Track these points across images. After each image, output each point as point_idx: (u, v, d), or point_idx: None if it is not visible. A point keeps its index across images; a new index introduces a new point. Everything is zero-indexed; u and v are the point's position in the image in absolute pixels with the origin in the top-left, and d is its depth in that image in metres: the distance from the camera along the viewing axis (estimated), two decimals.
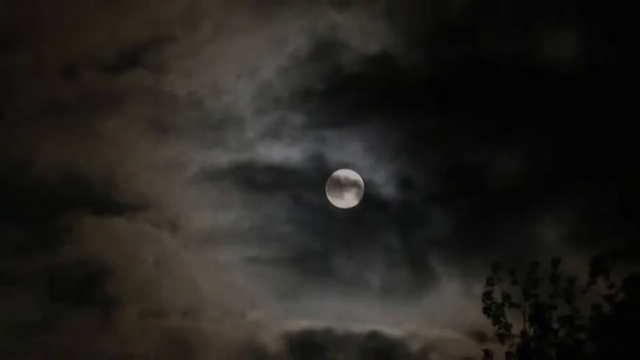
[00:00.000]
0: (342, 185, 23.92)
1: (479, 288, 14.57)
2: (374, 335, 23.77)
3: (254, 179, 25.63)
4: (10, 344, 23.62)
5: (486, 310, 14.40)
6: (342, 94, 25.57)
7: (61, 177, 25.21)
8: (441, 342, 23.09)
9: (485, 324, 14.50)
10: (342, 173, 24.08)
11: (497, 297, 14.39)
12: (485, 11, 24.36)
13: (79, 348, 24.05)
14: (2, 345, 23.54)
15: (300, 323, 24.22)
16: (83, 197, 25.31)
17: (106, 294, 24.59)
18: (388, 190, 24.96)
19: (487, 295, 14.41)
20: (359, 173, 23.84)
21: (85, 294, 24.53)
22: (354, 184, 23.94)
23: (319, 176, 24.71)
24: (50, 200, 24.97)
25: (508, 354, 14.17)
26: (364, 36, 25.48)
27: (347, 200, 23.98)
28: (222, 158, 25.66)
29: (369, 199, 24.35)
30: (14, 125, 25.41)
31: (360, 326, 23.92)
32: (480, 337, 15.07)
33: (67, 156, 25.43)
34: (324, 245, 25.18)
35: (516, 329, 14.24)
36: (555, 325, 13.97)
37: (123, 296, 24.65)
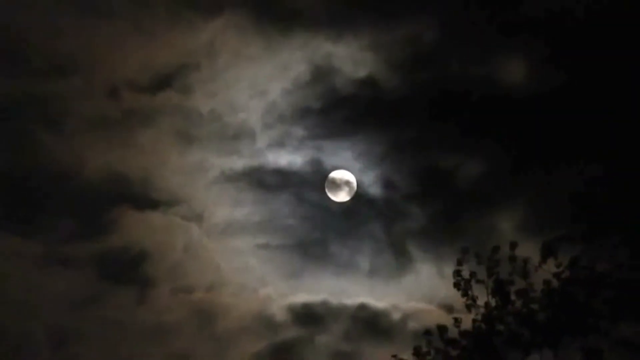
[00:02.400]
0: (337, 185, 24.01)
1: (448, 269, 14.59)
2: (362, 307, 23.83)
3: (263, 180, 25.72)
4: (65, 315, 23.66)
5: (456, 285, 14.36)
6: (335, 111, 25.66)
7: (107, 178, 25.26)
8: (417, 313, 23.17)
9: (454, 298, 14.51)
10: (337, 174, 24.17)
11: (465, 274, 14.36)
12: (452, 44, 24.49)
13: (121, 318, 24.09)
14: (59, 316, 23.57)
15: (302, 297, 24.28)
16: (125, 194, 25.36)
17: (144, 274, 24.64)
18: (374, 189, 25.08)
19: (457, 273, 14.37)
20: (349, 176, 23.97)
21: (127, 274, 24.57)
22: (347, 183, 24.03)
23: (317, 177, 24.80)
24: (98, 198, 25.02)
25: (475, 321, 14.19)
26: (354, 64, 25.56)
27: (341, 197, 24.07)
28: (237, 163, 25.74)
29: (359, 196, 24.43)
30: (69, 136, 25.48)
31: (351, 300, 23.99)
32: (449, 309, 15.10)
33: (112, 161, 25.47)
34: (322, 234, 25.27)
35: (481, 301, 14.22)
36: (513, 297, 13.97)
37: (158, 276, 24.71)
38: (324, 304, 24.10)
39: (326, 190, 24.27)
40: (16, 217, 23.88)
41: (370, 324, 23.72)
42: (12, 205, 23.80)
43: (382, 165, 25.05)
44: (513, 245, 14.08)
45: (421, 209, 24.80)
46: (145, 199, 25.57)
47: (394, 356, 14.44)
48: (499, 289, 14.03)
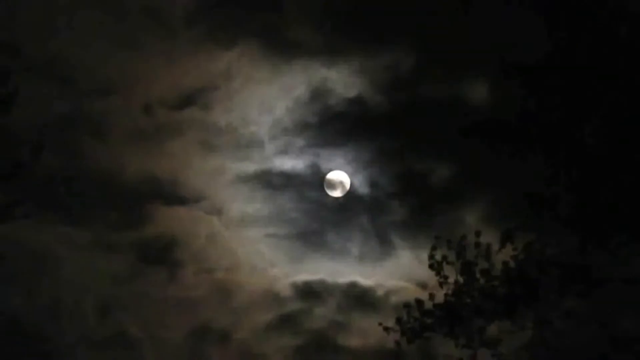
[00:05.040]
0: (332, 184, 24.04)
1: (423, 254, 14.41)
2: (353, 285, 23.79)
3: (271, 181, 25.64)
4: (109, 290, 23.63)
5: (431, 266, 14.20)
6: (330, 125, 25.64)
7: (143, 179, 25.18)
8: (398, 290, 23.14)
9: (428, 277, 14.37)
10: (332, 175, 24.21)
11: (438, 258, 14.21)
12: (426, 70, 24.51)
13: (155, 293, 24.05)
14: (104, 291, 23.54)
15: (303, 276, 24.22)
16: (157, 193, 25.30)
17: (173, 257, 24.57)
18: (363, 188, 25.04)
19: (431, 257, 14.21)
20: (343, 177, 24.00)
21: (160, 257, 24.49)
22: (341, 183, 24.05)
23: (316, 178, 24.77)
24: (136, 195, 24.94)
25: (446, 295, 14.10)
26: (345, 86, 25.53)
27: (335, 195, 24.12)
28: (249, 167, 25.67)
29: (351, 194, 24.43)
30: (111, 145, 25.42)
31: (344, 279, 23.95)
32: (424, 286, 15.02)
33: (147, 166, 25.38)
34: (320, 225, 25.20)
35: (451, 279, 14.09)
36: (478, 276, 13.87)
37: (185, 259, 24.63)
38: (321, 282, 24.11)
39: (324, 189, 24.32)
40: (69, 211, 23.73)
41: (359, 298, 23.74)
42: (65, 201, 23.67)
43: (369, 169, 25.02)
44: (478, 234, 14.00)
45: (401, 205, 24.79)
46: (174, 197, 25.54)
47: (380, 324, 14.38)
48: (466, 269, 13.94)
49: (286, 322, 23.73)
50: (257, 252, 25.29)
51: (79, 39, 24.78)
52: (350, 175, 24.53)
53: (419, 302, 14.19)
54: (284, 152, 25.64)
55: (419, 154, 23.86)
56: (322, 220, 25.24)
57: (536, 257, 13.51)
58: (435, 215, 22.91)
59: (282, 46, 25.82)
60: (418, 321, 14.13)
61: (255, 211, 25.60)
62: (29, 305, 22.02)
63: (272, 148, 25.75)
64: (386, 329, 14.26)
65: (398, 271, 23.78)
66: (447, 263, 14.12)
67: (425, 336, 14.17)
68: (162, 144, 25.99)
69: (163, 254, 24.58)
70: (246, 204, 25.68)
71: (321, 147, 25.37)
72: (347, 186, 24.08)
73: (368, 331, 22.21)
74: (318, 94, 25.50)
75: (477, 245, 13.92)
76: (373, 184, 24.93)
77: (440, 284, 14.17)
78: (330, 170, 24.56)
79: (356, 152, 25.08)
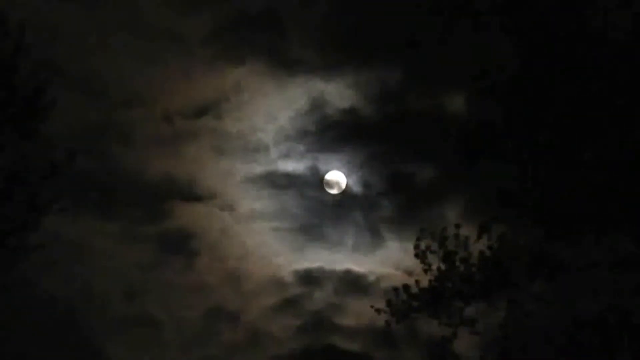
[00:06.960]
0: (330, 184, 24.21)
1: (409, 245, 14.43)
2: (347, 272, 23.91)
3: (275, 182, 25.74)
4: (134, 277, 23.75)
5: (416, 255, 14.27)
6: (327, 132, 25.74)
7: (164, 179, 25.26)
8: (387, 276, 23.23)
9: (414, 265, 14.43)
10: (330, 176, 24.38)
11: (423, 247, 14.23)
12: (411, 83, 24.61)
13: (175, 279, 24.14)
14: (130, 277, 23.65)
15: (304, 264, 24.32)
16: (177, 191, 25.39)
17: (191, 248, 24.64)
18: (357, 188, 25.17)
19: (416, 247, 14.29)
20: (340, 177, 24.18)
21: (179, 248, 24.55)
22: (337, 183, 24.21)
23: (315, 179, 24.92)
24: (157, 193, 25.02)
25: (430, 281, 14.14)
26: (341, 98, 25.64)
27: (333, 193, 24.32)
28: (257, 169, 25.76)
29: (346, 193, 24.59)
30: (136, 149, 25.50)
31: (340, 266, 24.07)
32: (410, 273, 15.06)
33: (167, 167, 25.45)
34: (319, 220, 25.31)
35: (434, 266, 14.17)
36: (458, 264, 13.97)
37: (201, 249, 24.71)
38: (320, 270, 24.23)
39: (323, 188, 24.49)
40: (100, 206, 23.94)
41: (353, 283, 23.87)
42: (97, 197, 23.85)
43: (362, 170, 25.14)
44: (457, 227, 14.08)
45: (390, 202, 24.93)
46: (191, 195, 25.63)
47: (372, 306, 14.39)
48: (447, 258, 14.03)
49: (289, 304, 23.88)
50: (264, 243, 25.42)
51: (110, 57, 24.90)
52: (346, 176, 24.70)
53: (406, 286, 14.27)
54: (287, 155, 25.77)
55: (405, 157, 24.03)
56: (320, 215, 25.39)
57: (508, 247, 13.62)
58: (420, 211, 23.09)
59: (285, 64, 25.96)
60: (405, 303, 14.22)
61: (262, 207, 25.71)
62: (64, 290, 22.11)
63: (276, 152, 25.88)
64: (377, 310, 14.31)
65: (387, 260, 23.93)
66: (431, 252, 14.22)
67: (412, 316, 14.26)
68: (180, 149, 26.10)
69: (182, 245, 24.70)
70: (254, 201, 25.79)
71: (320, 151, 25.52)
72: (343, 185, 24.27)
73: (361, 312, 22.36)
74: (316, 105, 25.64)
75: (457, 236, 14.04)
76: (366, 184, 25.09)
77: (425, 271, 14.26)
78: (328, 171, 24.74)
79: (351, 155, 25.23)
